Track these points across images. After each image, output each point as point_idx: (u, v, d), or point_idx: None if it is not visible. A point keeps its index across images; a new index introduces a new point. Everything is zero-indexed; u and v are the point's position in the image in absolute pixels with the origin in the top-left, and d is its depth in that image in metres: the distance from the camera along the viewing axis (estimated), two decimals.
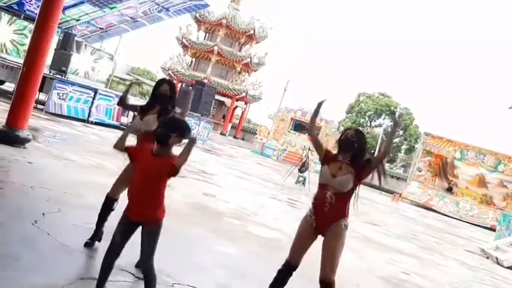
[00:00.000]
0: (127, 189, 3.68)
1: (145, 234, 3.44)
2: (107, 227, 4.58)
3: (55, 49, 16.68)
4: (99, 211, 4.62)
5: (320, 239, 4.02)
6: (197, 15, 41.20)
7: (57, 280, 3.58)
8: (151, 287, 3.47)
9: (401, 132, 53.20)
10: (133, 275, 4.17)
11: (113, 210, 4.60)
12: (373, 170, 3.97)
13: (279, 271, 4.11)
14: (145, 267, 3.50)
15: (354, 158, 3.93)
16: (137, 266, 4.27)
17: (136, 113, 4.82)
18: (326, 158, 4.07)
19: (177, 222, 6.05)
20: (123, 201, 3.82)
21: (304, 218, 4.10)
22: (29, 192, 5.82)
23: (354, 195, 3.98)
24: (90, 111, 16.44)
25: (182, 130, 3.46)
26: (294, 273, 4.11)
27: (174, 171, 3.37)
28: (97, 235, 4.61)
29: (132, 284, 4.03)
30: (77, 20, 20.98)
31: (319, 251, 3.95)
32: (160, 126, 3.46)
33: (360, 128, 4.17)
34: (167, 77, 43.39)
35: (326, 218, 3.91)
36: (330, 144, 32.61)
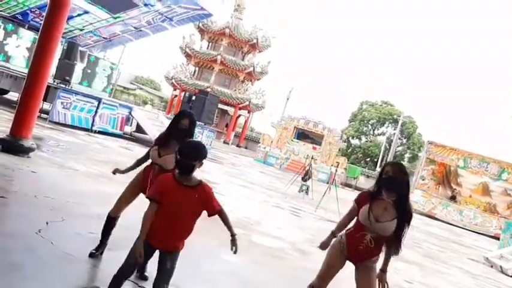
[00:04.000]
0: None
1: (168, 258, 3.41)
2: (112, 234, 4.61)
3: (59, 59, 16.78)
4: (102, 226, 4.61)
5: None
6: (200, 24, 41.39)
7: None
8: None
9: (404, 141, 53.17)
10: (138, 285, 4.17)
11: (114, 227, 4.63)
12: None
13: None
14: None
15: (400, 200, 3.70)
16: (141, 276, 4.32)
17: (154, 146, 4.58)
18: (362, 197, 3.88)
19: None
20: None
21: (334, 248, 3.95)
22: (33, 201, 5.85)
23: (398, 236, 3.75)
24: (93, 120, 16.50)
25: (204, 155, 3.41)
26: None
27: (219, 211, 3.48)
28: (102, 247, 4.61)
29: None
30: (81, 30, 21.13)
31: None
32: (181, 155, 3.31)
33: (400, 162, 3.94)
34: (172, 87, 43.58)
35: (360, 255, 3.80)
36: (333, 153, 32.65)
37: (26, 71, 10.23)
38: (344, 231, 3.95)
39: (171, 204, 3.29)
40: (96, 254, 4.53)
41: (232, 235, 3.48)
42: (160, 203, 3.28)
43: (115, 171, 4.78)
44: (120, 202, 4.63)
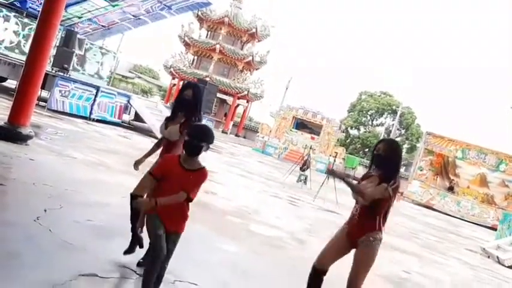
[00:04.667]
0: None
1: (174, 240, 3.57)
2: (111, 222, 4.59)
3: (57, 46, 16.70)
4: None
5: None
6: (199, 13, 41.13)
7: (59, 276, 3.59)
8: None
9: (403, 132, 53.21)
10: (136, 272, 4.17)
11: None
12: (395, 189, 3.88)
13: (309, 276, 4.12)
14: (165, 269, 3.59)
15: (385, 173, 3.87)
16: (139, 265, 4.29)
17: (164, 121, 4.73)
18: (362, 178, 4.13)
19: None
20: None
21: (341, 228, 4.13)
22: (31, 189, 5.83)
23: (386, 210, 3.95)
24: (92, 108, 16.46)
25: (211, 138, 3.53)
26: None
27: (189, 198, 3.52)
28: (136, 242, 4.37)
29: (135, 281, 4.04)
30: (79, 18, 21.00)
31: None
32: (189, 136, 3.42)
33: (393, 140, 4.18)
34: (170, 76, 43.48)
35: (355, 230, 3.94)
36: (332, 143, 32.65)
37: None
38: None
39: (172, 186, 3.39)
40: (140, 261, 4.35)
41: (160, 201, 3.37)
42: (160, 182, 3.43)
43: (136, 166, 4.66)
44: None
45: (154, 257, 3.44)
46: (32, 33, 9.14)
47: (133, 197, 3.94)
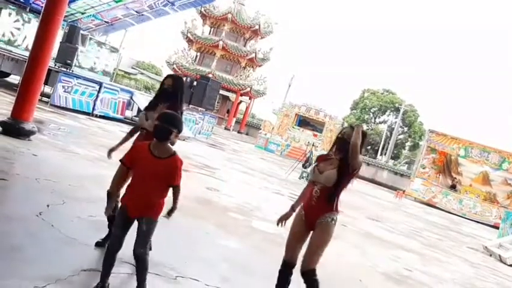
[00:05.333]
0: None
1: (143, 225, 3.49)
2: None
3: (60, 42, 16.70)
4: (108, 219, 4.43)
5: None
6: (202, 9, 41.10)
7: (61, 272, 3.60)
8: (144, 274, 3.53)
9: (405, 129, 53.13)
10: (132, 264, 4.18)
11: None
12: (355, 165, 3.88)
13: (279, 271, 4.10)
14: (142, 254, 3.49)
15: (346, 157, 3.89)
16: (96, 244, 4.39)
17: (143, 111, 4.76)
18: (318, 159, 4.15)
19: (180, 216, 6.04)
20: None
21: (296, 215, 4.13)
22: (34, 184, 5.85)
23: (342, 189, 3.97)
24: (94, 104, 16.47)
25: (180, 126, 3.56)
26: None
27: (175, 186, 3.52)
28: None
29: (132, 275, 4.04)
30: (83, 13, 21.00)
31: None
32: (160, 121, 3.46)
33: (361, 126, 4.06)
34: (173, 72, 43.44)
35: (314, 212, 3.95)
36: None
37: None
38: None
39: (139, 173, 3.47)
40: (103, 243, 4.40)
41: (173, 208, 3.54)
42: (130, 169, 3.51)
43: (109, 154, 4.76)
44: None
45: (107, 247, 3.54)
46: (35, 29, 9.11)
47: (109, 194, 4.11)
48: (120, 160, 3.54)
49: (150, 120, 4.46)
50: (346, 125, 40.63)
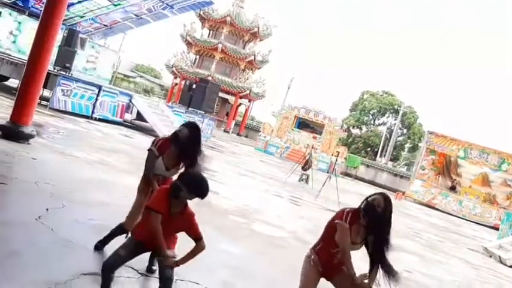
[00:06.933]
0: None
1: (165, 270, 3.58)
2: (113, 222, 4.59)
3: (59, 46, 16.69)
4: (111, 230, 4.46)
5: None
6: (201, 12, 41.11)
7: (60, 275, 3.59)
8: None
9: (405, 131, 53.15)
10: (138, 271, 4.17)
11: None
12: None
13: None
14: (171, 276, 3.60)
15: (373, 228, 3.77)
16: (96, 247, 4.37)
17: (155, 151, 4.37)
18: (351, 219, 3.80)
19: None
20: None
21: (308, 263, 3.96)
22: (33, 188, 5.84)
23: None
24: (94, 107, 16.45)
25: (203, 194, 3.57)
26: None
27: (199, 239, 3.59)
28: (106, 243, 4.44)
29: (136, 280, 4.04)
30: (81, 17, 21.01)
31: None
32: (181, 182, 3.52)
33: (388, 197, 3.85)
34: (172, 75, 43.42)
35: (335, 268, 3.88)
36: (334, 142, 32.62)
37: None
38: (313, 249, 3.99)
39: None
40: (101, 247, 4.41)
41: (184, 260, 3.61)
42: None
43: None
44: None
45: (104, 264, 3.48)
46: (34, 33, 9.11)
47: (125, 230, 4.23)
48: (152, 208, 3.48)
49: (171, 171, 4.43)
50: (345, 126, 39.78)
